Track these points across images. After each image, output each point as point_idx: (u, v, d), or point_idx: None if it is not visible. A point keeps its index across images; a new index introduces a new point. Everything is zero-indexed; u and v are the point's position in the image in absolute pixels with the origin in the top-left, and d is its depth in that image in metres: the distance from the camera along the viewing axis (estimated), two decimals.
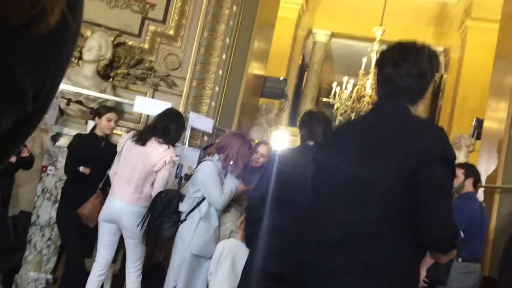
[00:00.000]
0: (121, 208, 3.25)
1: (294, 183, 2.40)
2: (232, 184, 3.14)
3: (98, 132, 3.80)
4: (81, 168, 3.62)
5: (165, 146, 3.26)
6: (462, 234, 3.41)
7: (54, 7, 0.46)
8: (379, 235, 1.46)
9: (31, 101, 0.49)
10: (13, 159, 3.83)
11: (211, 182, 3.08)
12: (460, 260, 3.50)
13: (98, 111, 3.89)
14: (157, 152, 3.22)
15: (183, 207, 3.15)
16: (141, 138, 3.31)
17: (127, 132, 4.00)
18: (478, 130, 5.99)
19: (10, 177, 4.02)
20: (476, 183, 3.77)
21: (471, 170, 3.80)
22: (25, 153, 3.94)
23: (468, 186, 3.70)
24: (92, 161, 3.65)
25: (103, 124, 3.76)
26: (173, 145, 3.34)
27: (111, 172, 3.49)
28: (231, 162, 3.13)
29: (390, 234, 1.46)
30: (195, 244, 3.05)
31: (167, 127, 3.32)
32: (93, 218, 3.46)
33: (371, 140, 1.54)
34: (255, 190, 2.68)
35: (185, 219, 3.11)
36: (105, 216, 3.36)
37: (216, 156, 3.18)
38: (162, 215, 3.13)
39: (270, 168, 2.58)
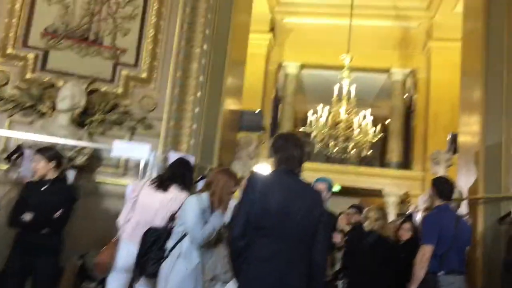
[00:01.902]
0: None
1: (277, 211, 2.35)
2: (216, 221, 3.07)
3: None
4: (23, 216, 3.42)
5: (185, 193, 3.43)
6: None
7: None
8: None
9: None
10: None
11: (191, 217, 3.04)
12: (443, 273, 3.49)
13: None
14: (179, 198, 3.34)
15: (169, 243, 3.10)
16: (162, 185, 3.49)
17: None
18: (453, 145, 6.12)
19: None
20: (443, 193, 3.72)
21: (434, 182, 3.83)
22: None
23: (435, 199, 3.73)
24: (32, 207, 3.47)
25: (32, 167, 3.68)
26: (189, 191, 3.52)
27: (121, 218, 3.47)
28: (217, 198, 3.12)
29: None
30: (172, 282, 2.96)
31: (184, 175, 3.58)
32: (110, 266, 3.37)
33: None
34: (236, 219, 2.53)
35: (167, 256, 3.05)
36: (122, 263, 3.33)
37: (206, 193, 3.16)
38: (150, 251, 3.09)
39: (252, 195, 2.43)
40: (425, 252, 3.52)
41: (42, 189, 3.58)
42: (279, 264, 2.33)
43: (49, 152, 3.70)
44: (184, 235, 3.05)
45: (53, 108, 4.87)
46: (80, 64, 5.14)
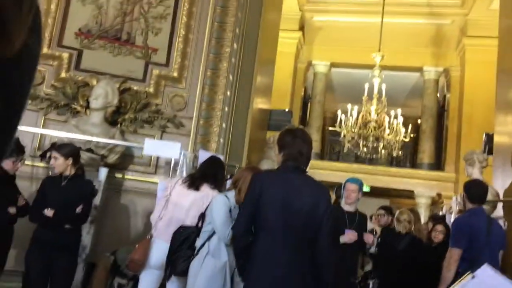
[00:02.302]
0: None
1: (281, 208, 2.31)
2: None
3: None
4: (45, 211, 3.48)
5: (216, 191, 3.46)
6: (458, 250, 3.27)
7: (21, 30, 0.45)
8: None
9: None
10: (12, 210, 3.82)
11: (218, 216, 3.06)
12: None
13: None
14: (211, 197, 3.37)
15: (198, 242, 3.13)
16: (194, 184, 3.52)
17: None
18: (489, 145, 5.95)
19: (11, 227, 3.95)
20: (474, 196, 3.68)
21: (465, 185, 3.82)
22: (21, 202, 3.91)
23: (467, 202, 3.71)
24: (54, 203, 3.52)
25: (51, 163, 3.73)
26: (220, 190, 3.54)
27: (155, 216, 3.52)
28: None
29: None
30: (200, 280, 2.98)
31: (216, 174, 3.60)
32: (144, 263, 3.43)
33: None
34: (240, 216, 2.49)
35: (196, 254, 3.07)
36: (155, 261, 3.37)
37: (233, 191, 3.17)
38: (179, 250, 3.12)
39: (255, 193, 2.38)
40: (453, 255, 3.52)
41: (62, 185, 3.64)
42: (282, 263, 2.29)
43: (67, 149, 3.75)
44: (213, 234, 3.07)
45: (87, 106, 4.98)
46: (113, 63, 5.23)
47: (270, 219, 2.34)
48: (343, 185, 4.22)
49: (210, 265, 3.01)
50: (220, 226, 3.04)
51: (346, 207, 4.11)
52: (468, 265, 3.41)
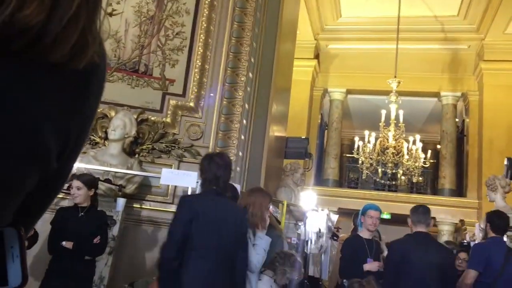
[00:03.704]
0: None
1: (211, 231, 2.43)
2: (263, 242, 3.05)
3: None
4: (64, 243, 3.49)
5: None
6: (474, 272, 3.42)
7: (90, 47, 0.47)
8: None
9: (55, 159, 0.49)
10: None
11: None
12: None
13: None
14: None
15: None
16: None
17: None
18: (511, 170, 5.82)
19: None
20: (497, 227, 3.83)
21: (489, 216, 3.98)
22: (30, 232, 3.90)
23: (489, 231, 3.87)
24: (73, 234, 3.51)
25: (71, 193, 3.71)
26: None
27: None
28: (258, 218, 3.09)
29: None
30: None
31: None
32: None
33: None
34: (169, 239, 2.55)
35: None
36: None
37: None
38: None
39: (183, 215, 2.50)
40: (468, 276, 3.69)
41: (79, 216, 3.64)
42: (212, 283, 2.40)
43: (89, 179, 3.78)
44: None
45: (106, 137, 5.05)
46: (131, 94, 5.33)
47: (202, 242, 2.44)
48: (360, 213, 4.17)
49: None
50: (249, 257, 3.01)
51: (366, 234, 4.06)
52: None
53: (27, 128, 0.44)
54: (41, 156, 0.46)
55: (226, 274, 2.44)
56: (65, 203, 4.10)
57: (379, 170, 9.43)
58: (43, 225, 3.62)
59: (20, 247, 0.51)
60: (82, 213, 3.65)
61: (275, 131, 5.93)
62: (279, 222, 4.77)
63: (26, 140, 0.44)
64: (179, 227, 2.47)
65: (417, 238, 3.63)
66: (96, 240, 3.56)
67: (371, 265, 3.89)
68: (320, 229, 5.97)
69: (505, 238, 4.11)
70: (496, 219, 3.88)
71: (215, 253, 2.42)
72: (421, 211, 3.74)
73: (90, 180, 3.75)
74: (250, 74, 5.31)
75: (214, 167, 2.61)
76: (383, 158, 9.18)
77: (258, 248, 3.03)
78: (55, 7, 0.43)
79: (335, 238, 6.13)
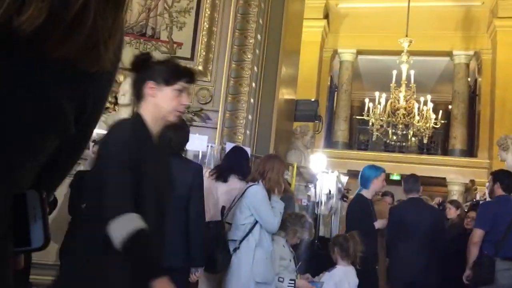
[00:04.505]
0: None
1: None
2: (279, 205, 3.12)
3: None
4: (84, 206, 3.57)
5: (244, 183, 3.43)
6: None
7: (109, 49, 0.47)
8: None
9: (73, 123, 0.49)
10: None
11: (264, 207, 3.06)
12: (498, 259, 3.64)
13: None
14: (238, 189, 3.37)
15: (235, 235, 3.09)
16: (222, 176, 3.53)
17: None
18: None
19: None
20: (506, 186, 3.89)
21: (497, 175, 4.02)
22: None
23: (497, 190, 3.91)
24: None
25: None
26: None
27: None
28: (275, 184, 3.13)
29: None
30: (257, 272, 2.99)
31: (241, 164, 3.63)
32: None
33: None
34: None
35: (238, 247, 3.07)
36: None
37: (260, 182, 3.17)
38: (216, 246, 2.99)
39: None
40: (475, 235, 3.80)
41: None
42: (159, 237, 2.37)
43: None
44: (254, 225, 3.07)
45: (116, 103, 5.06)
46: None
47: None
48: (374, 175, 4.15)
49: (262, 256, 3.03)
50: (268, 217, 3.06)
51: (369, 195, 4.13)
52: (493, 248, 3.69)
53: (41, 94, 0.45)
54: (57, 118, 0.47)
55: (173, 230, 2.37)
56: (81, 168, 4.17)
57: (390, 131, 9.39)
58: (61, 191, 3.71)
59: (42, 209, 0.52)
60: None
61: (285, 94, 5.90)
62: (290, 184, 4.81)
63: (41, 105, 0.45)
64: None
65: (411, 203, 4.26)
66: None
67: (381, 223, 4.14)
68: (330, 191, 6.02)
69: None
70: (505, 178, 3.92)
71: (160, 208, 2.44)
72: (412, 180, 4.36)
73: None
74: (259, 36, 5.24)
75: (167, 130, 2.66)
76: (393, 119, 9.13)
77: (275, 210, 3.09)
78: (55, 7, 0.42)
79: (345, 199, 6.19)
